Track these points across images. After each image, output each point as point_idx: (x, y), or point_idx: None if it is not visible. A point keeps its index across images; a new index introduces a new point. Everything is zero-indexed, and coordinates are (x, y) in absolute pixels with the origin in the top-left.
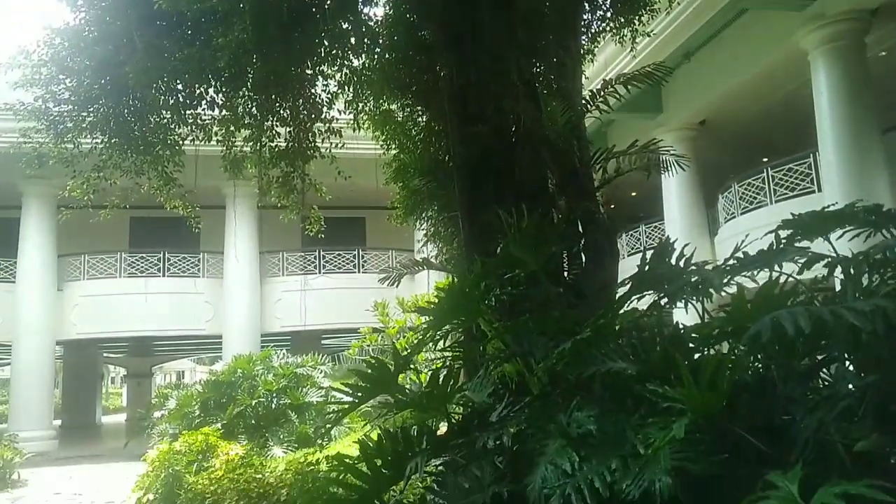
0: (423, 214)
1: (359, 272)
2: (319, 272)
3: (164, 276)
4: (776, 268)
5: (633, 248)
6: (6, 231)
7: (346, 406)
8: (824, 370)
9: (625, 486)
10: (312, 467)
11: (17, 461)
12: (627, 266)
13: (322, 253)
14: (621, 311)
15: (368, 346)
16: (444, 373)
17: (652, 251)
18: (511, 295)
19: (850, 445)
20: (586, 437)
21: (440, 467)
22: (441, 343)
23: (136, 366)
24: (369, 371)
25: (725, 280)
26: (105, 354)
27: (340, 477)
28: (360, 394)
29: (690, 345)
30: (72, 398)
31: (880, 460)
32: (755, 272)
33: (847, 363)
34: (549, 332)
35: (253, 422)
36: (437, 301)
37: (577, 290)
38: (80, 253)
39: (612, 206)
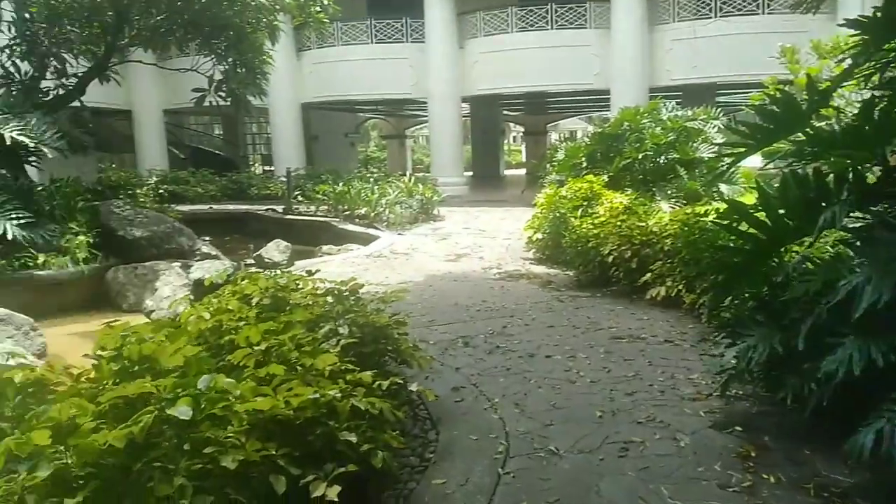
0: None
1: (762, 13)
2: (715, 16)
3: (552, 28)
4: None
5: None
6: None
7: (742, 151)
8: None
9: None
10: (700, 219)
11: (435, 199)
12: None
13: None
14: None
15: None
16: (883, 105)
17: None
18: None
19: None
20: None
21: (866, 221)
22: (875, 78)
23: (532, 124)
24: (773, 109)
25: None
26: (505, 112)
27: (733, 225)
28: (759, 136)
29: None
30: (479, 151)
31: None
32: None
33: None
34: None
35: (640, 176)
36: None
37: None
38: (476, 10)
39: None
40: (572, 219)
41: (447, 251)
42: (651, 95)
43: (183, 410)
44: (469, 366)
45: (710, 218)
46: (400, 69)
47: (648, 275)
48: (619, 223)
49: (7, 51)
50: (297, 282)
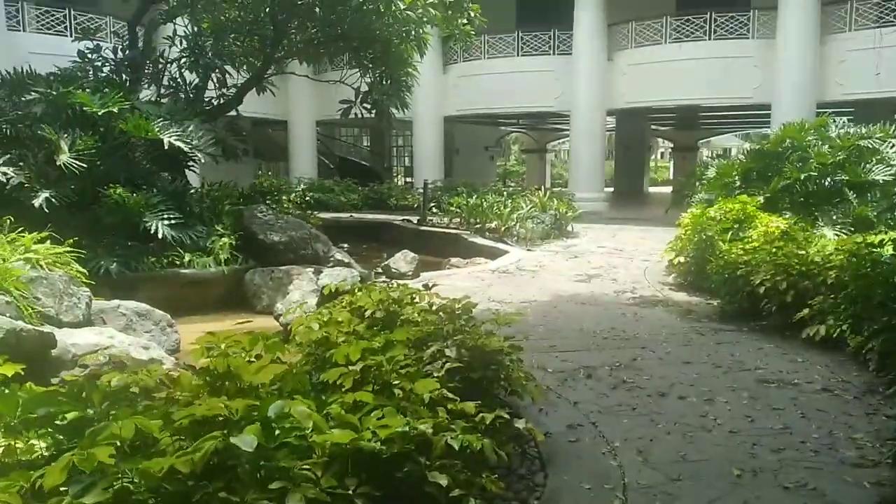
0: None
1: None
2: None
3: (709, 39)
4: None
5: None
6: (565, 3)
7: None
8: None
9: None
10: (873, 250)
11: (570, 215)
12: None
13: None
14: None
15: None
16: None
17: None
18: None
19: None
20: None
21: None
22: None
23: (681, 139)
24: None
25: None
26: (653, 126)
27: None
28: None
29: None
30: (622, 167)
31: None
32: None
33: None
34: None
35: (800, 199)
36: None
37: None
38: (628, 20)
39: None
40: (720, 242)
41: (578, 270)
42: (818, 111)
43: (247, 441)
44: (589, 401)
45: (887, 249)
46: (545, 82)
47: (806, 310)
48: (774, 250)
49: (177, 62)
50: (413, 295)
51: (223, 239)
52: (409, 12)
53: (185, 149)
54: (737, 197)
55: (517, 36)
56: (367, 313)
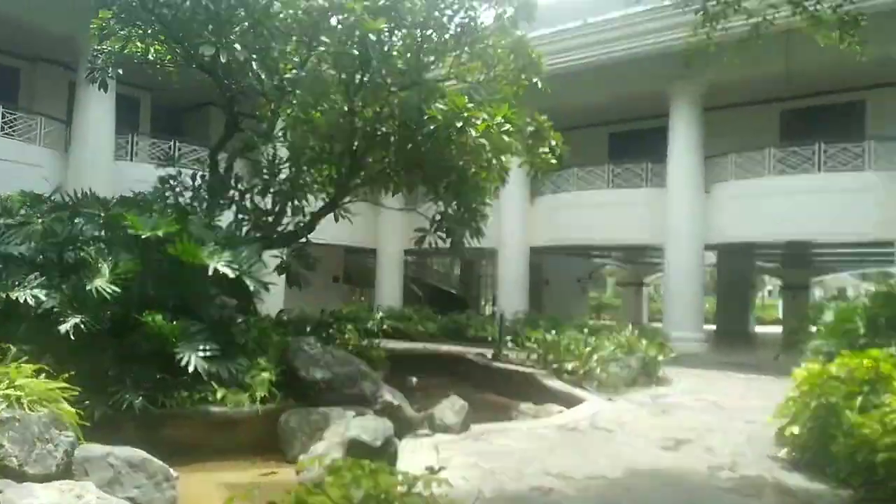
0: None
1: None
2: None
3: (819, 170)
4: None
5: None
6: (659, 137)
7: None
8: None
9: None
10: None
11: (661, 359)
12: None
13: None
14: None
15: None
16: None
17: None
18: None
19: None
20: None
21: None
22: None
23: (791, 277)
24: None
25: None
26: (759, 263)
27: None
28: None
29: None
30: (725, 305)
31: None
32: None
33: None
34: None
35: None
36: None
37: None
38: (727, 152)
39: None
40: (847, 411)
41: (664, 433)
42: None
43: None
44: None
45: None
46: (637, 214)
47: None
48: None
49: (250, 190)
50: (410, 484)
51: (263, 374)
52: (482, 140)
53: (231, 275)
54: (865, 350)
55: (608, 168)
56: None
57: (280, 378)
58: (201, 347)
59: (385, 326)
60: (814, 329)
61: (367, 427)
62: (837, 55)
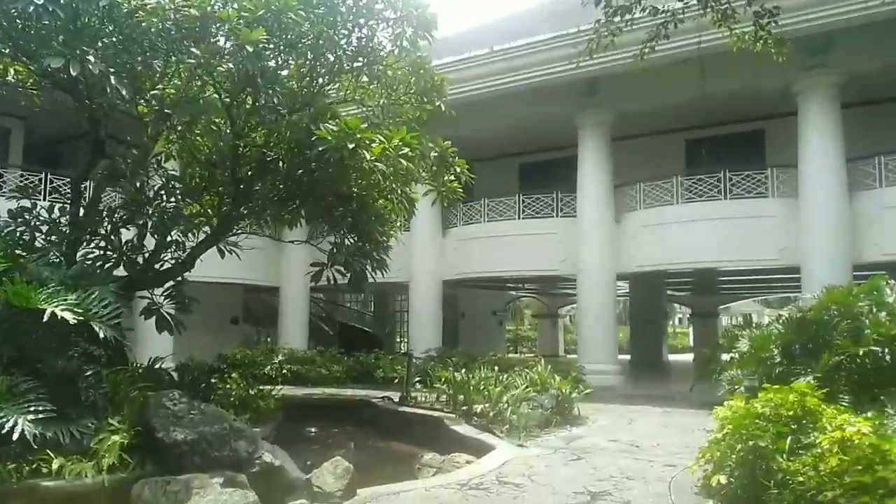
0: None
1: None
2: None
3: (724, 198)
4: None
5: None
6: (568, 167)
7: None
8: None
9: None
10: None
11: (575, 397)
12: None
13: None
14: None
15: None
16: None
17: None
18: None
19: None
20: None
21: None
22: None
23: (700, 305)
24: None
25: None
26: (670, 292)
27: None
28: None
29: None
30: (638, 334)
31: None
32: None
33: None
34: None
35: (856, 377)
36: None
37: None
38: (635, 182)
39: None
40: (777, 456)
41: (578, 485)
42: (855, 275)
43: None
44: None
45: None
46: (548, 245)
47: None
48: (860, 468)
49: (111, 221)
50: None
51: (113, 437)
52: (378, 164)
53: (71, 320)
54: (780, 379)
55: (518, 198)
56: None
57: (135, 441)
58: (32, 409)
59: (285, 371)
60: (727, 357)
61: (227, 502)
62: (742, 83)
